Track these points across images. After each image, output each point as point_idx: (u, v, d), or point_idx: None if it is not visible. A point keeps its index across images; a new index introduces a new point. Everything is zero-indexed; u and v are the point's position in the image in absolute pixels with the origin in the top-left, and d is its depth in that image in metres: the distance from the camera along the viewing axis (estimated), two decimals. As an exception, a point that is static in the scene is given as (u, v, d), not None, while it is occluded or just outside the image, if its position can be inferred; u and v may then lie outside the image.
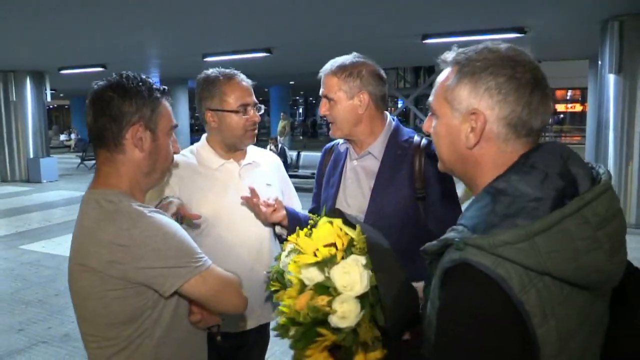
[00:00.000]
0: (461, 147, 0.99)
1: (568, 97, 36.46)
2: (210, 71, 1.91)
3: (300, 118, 39.63)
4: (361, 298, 1.08)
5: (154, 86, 1.36)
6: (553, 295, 0.84)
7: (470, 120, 0.96)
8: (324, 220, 1.24)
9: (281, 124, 19.59)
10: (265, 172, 2.03)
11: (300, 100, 41.29)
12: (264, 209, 1.82)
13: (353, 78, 1.72)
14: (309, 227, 1.48)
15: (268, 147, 12.33)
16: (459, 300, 0.85)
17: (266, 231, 1.95)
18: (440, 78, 1.03)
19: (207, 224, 1.85)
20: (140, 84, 1.33)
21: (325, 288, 1.09)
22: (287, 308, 1.15)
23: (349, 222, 1.21)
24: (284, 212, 1.85)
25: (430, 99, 1.06)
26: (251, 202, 1.82)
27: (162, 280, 1.24)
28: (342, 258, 1.14)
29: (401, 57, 12.40)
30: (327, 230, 1.18)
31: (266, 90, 24.64)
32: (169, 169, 1.50)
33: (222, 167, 1.93)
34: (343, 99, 1.73)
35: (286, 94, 24.35)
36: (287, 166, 12.14)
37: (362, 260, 1.11)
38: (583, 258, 0.83)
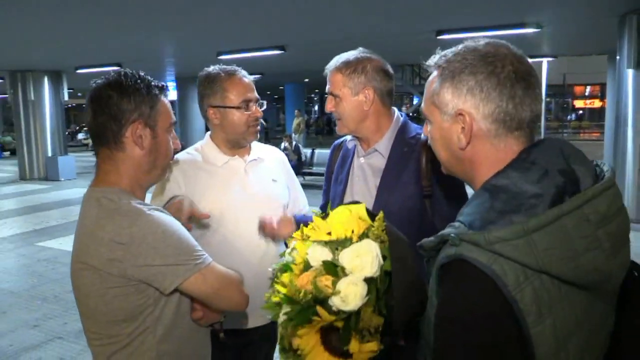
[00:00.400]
0: (455, 149, 0.99)
1: (587, 93, 35.94)
2: (212, 68, 1.91)
3: (315, 115, 39.58)
4: (369, 283, 1.04)
5: (152, 83, 1.36)
6: (550, 294, 0.82)
7: (459, 121, 0.96)
8: (341, 207, 1.19)
9: (296, 121, 19.60)
10: (270, 168, 2.03)
11: (316, 98, 41.26)
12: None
13: (357, 74, 1.71)
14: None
15: (282, 144, 12.34)
16: (455, 296, 0.85)
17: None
18: (427, 83, 1.04)
19: (213, 222, 1.85)
20: (139, 81, 1.33)
21: (334, 267, 1.06)
22: (285, 287, 1.10)
23: (370, 213, 1.18)
24: (293, 227, 1.85)
25: (422, 105, 1.07)
26: (267, 229, 1.84)
27: (161, 277, 1.24)
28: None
29: (416, 53, 12.28)
30: (345, 216, 1.14)
31: (281, 87, 24.68)
32: (170, 166, 1.50)
33: (226, 164, 1.93)
34: (348, 95, 1.72)
35: (301, 91, 24.35)
36: (302, 163, 12.15)
37: (376, 247, 1.07)
38: (581, 257, 0.82)
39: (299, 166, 12.13)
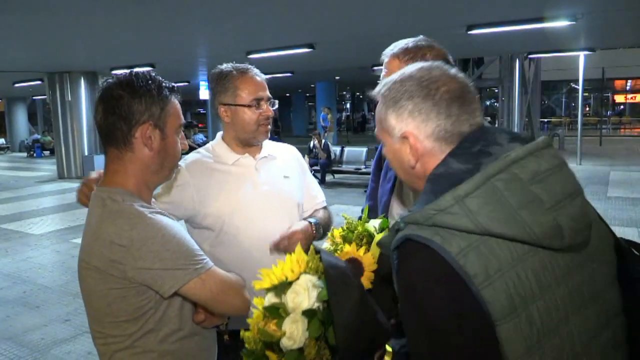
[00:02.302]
0: (407, 167, 1.06)
1: (628, 88, 34.71)
2: (224, 66, 1.90)
3: (347, 113, 39.49)
4: (310, 316, 1.07)
5: (163, 84, 1.36)
6: (499, 257, 0.85)
7: (405, 143, 1.04)
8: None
9: (328, 118, 19.64)
10: (281, 165, 2.01)
11: (348, 96, 41.16)
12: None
13: (415, 62, 1.62)
14: (344, 227, 1.44)
15: (311, 142, 12.33)
16: (407, 269, 0.90)
17: (285, 227, 1.92)
18: (376, 111, 1.12)
19: (224, 220, 1.84)
20: (150, 82, 1.33)
21: (275, 310, 1.10)
22: (247, 338, 1.14)
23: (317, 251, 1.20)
24: (307, 233, 1.84)
25: (375, 130, 1.14)
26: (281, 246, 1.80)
27: (160, 281, 1.23)
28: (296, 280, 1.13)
29: (449, 49, 12.10)
30: (287, 261, 1.17)
31: (312, 86, 24.75)
32: (177, 166, 1.49)
33: (237, 162, 1.91)
34: None
35: (332, 89, 24.36)
36: (331, 162, 12.12)
37: (314, 279, 1.11)
38: (519, 212, 0.85)
39: (329, 164, 12.11)
